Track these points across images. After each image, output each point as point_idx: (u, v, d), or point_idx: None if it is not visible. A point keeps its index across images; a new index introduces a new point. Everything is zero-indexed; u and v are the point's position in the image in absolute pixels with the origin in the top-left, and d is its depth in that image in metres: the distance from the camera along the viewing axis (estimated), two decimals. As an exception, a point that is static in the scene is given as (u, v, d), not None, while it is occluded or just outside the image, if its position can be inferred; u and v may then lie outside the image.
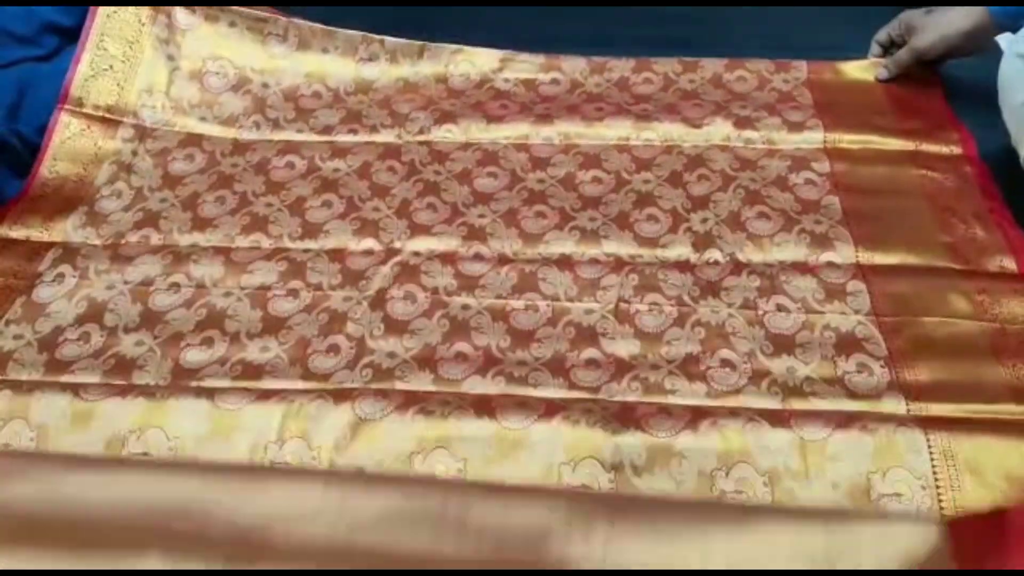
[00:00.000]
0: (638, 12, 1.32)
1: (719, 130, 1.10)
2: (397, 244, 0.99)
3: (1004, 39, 1.12)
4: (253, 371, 0.86)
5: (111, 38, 1.15)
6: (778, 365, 0.85)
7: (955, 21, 1.08)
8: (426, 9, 1.35)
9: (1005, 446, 0.75)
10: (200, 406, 0.81)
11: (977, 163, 1.05)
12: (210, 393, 0.82)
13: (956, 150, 1.07)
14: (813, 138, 1.09)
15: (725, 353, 0.86)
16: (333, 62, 1.22)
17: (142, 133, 1.13)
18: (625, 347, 0.88)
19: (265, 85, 1.19)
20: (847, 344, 0.86)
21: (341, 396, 0.81)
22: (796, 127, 1.10)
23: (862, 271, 0.93)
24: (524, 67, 1.21)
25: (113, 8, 1.15)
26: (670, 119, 1.11)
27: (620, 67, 1.20)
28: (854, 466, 0.75)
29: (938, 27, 1.10)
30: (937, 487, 0.74)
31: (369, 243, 1.00)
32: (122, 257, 0.99)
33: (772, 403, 0.81)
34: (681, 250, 0.97)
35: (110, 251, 1.00)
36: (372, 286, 0.95)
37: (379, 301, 0.93)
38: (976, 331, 0.86)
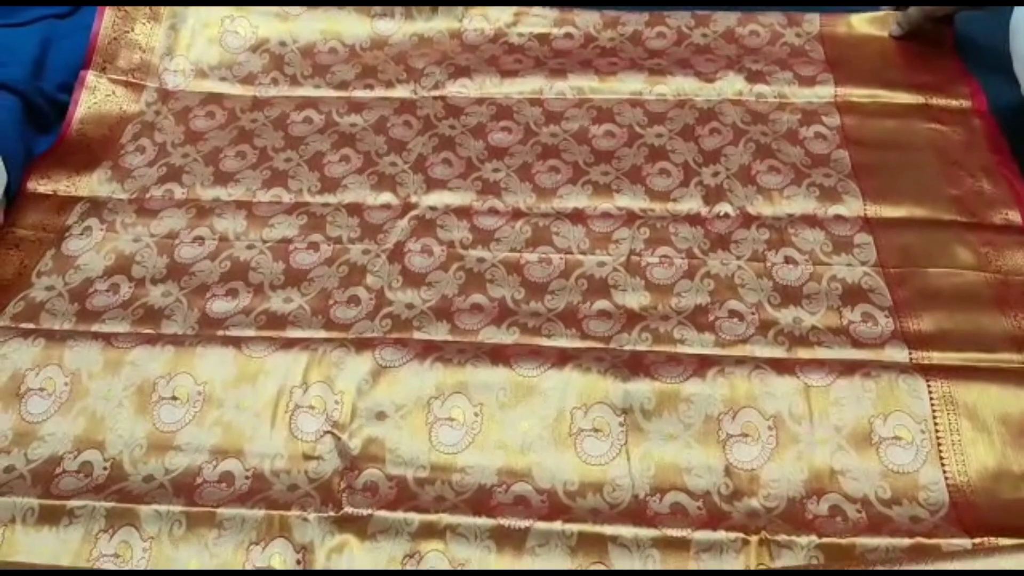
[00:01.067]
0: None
1: (731, 84, 1.11)
2: (414, 199, 1.02)
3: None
4: (277, 321, 0.89)
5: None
6: (785, 315, 0.87)
7: None
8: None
9: (1003, 392, 0.77)
10: (227, 353, 0.84)
11: (986, 117, 1.06)
12: (236, 341, 0.85)
13: (965, 104, 1.08)
14: (824, 92, 1.10)
15: (733, 304, 0.89)
16: (348, 18, 1.23)
17: (164, 95, 1.16)
18: (636, 299, 0.90)
19: (283, 43, 1.21)
20: (853, 295, 0.88)
21: (362, 345, 0.84)
22: (807, 81, 1.11)
23: (869, 224, 0.95)
24: (537, 21, 1.22)
25: (131, -32, 1.17)
26: (683, 73, 1.12)
27: (633, 21, 1.21)
28: (856, 410, 0.78)
29: None
30: (936, 431, 0.76)
31: (386, 197, 1.02)
32: (147, 211, 1.02)
33: (778, 352, 0.84)
34: (692, 204, 0.99)
35: (135, 205, 1.03)
36: (390, 239, 0.97)
37: (397, 254, 0.95)
38: (980, 282, 0.88)
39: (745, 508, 0.75)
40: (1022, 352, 0.82)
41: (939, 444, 0.76)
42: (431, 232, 0.98)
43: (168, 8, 1.19)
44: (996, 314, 0.86)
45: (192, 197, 1.04)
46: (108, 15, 1.16)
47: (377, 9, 1.23)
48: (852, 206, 0.97)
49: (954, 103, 1.08)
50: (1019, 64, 0.99)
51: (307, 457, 0.79)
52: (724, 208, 0.98)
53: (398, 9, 1.23)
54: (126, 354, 0.84)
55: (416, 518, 0.74)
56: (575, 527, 0.73)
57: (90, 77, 1.13)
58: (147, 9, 1.18)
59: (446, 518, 0.73)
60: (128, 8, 1.17)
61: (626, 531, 0.72)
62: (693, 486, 0.76)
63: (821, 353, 0.84)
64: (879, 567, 0.65)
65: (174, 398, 0.82)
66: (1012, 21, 0.99)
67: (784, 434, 0.78)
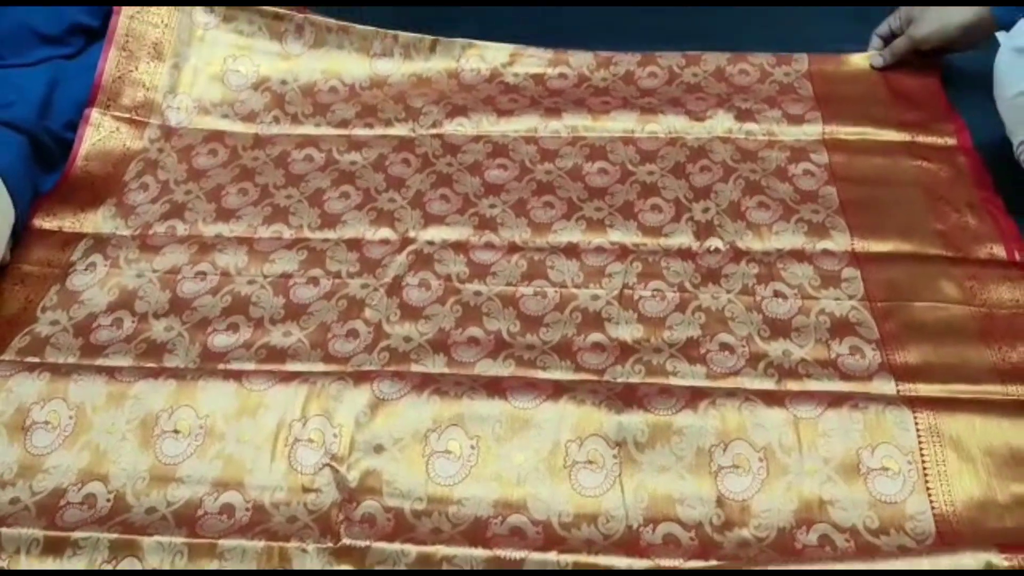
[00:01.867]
0: (642, 9, 1.35)
1: (721, 123, 1.13)
2: (412, 233, 1.04)
3: (1000, 33, 1.15)
4: (277, 355, 0.91)
5: (135, 39, 1.19)
6: (774, 348, 0.89)
7: (955, 15, 1.11)
8: (437, 8, 1.39)
9: (987, 423, 0.79)
10: (228, 387, 0.85)
11: (971, 153, 1.09)
12: (237, 375, 0.87)
13: (951, 141, 1.11)
14: (812, 130, 1.13)
15: (724, 337, 0.90)
16: (348, 58, 1.26)
17: (167, 133, 1.18)
18: (629, 331, 0.92)
19: (284, 82, 1.24)
20: (841, 328, 0.90)
21: (360, 378, 0.86)
22: (796, 119, 1.14)
23: (857, 259, 0.97)
24: (533, 61, 1.25)
25: (136, 9, 1.20)
26: (674, 112, 1.15)
27: (626, 61, 1.24)
28: (845, 442, 0.79)
29: (938, 18, 1.13)
30: (923, 461, 0.78)
31: (385, 233, 1.04)
32: (150, 247, 1.04)
33: (768, 384, 0.86)
34: (683, 239, 1.01)
35: (138, 241, 1.05)
36: (388, 274, 0.99)
37: (395, 288, 0.97)
38: (965, 316, 0.90)
39: (736, 539, 0.76)
40: (1006, 384, 0.84)
41: (926, 475, 0.78)
42: (428, 266, 1.00)
43: (171, 46, 1.22)
44: (980, 347, 0.88)
45: (194, 233, 1.06)
46: (112, 54, 1.18)
47: (376, 49, 1.26)
48: (840, 241, 0.99)
49: (939, 140, 1.11)
50: (1003, 105, 1.02)
51: (306, 490, 0.80)
52: (714, 243, 1.00)
53: (397, 49, 1.26)
54: (129, 388, 0.85)
55: (413, 550, 0.75)
56: (570, 558, 0.74)
57: (94, 115, 1.16)
58: (150, 47, 1.21)
59: (443, 550, 0.75)
60: (132, 47, 1.19)
61: (619, 562, 0.74)
62: (686, 517, 0.77)
63: (810, 385, 0.85)
64: (873, 566, 0.67)
65: (176, 431, 0.83)
66: (995, 69, 1.01)
67: (774, 465, 0.79)
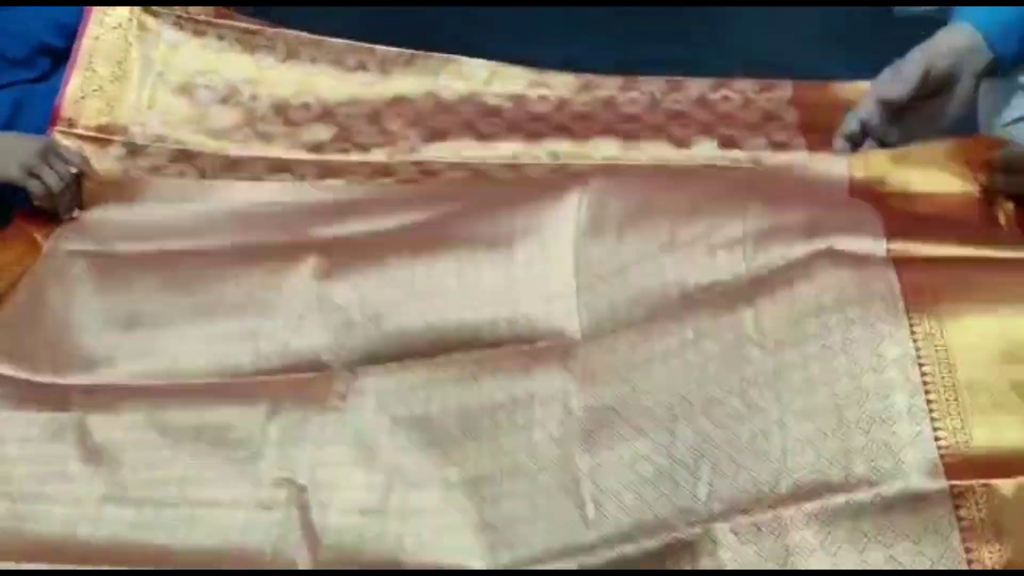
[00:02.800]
0: (625, 33, 1.34)
1: (705, 150, 1.12)
2: None
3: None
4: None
5: (100, 59, 1.16)
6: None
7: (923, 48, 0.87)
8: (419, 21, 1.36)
9: None
10: None
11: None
12: None
13: (938, 170, 1.09)
14: (797, 158, 1.11)
15: None
16: (322, 72, 1.22)
17: (133, 151, 1.14)
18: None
19: (254, 97, 1.20)
20: None
21: None
22: (781, 147, 1.12)
23: None
24: (513, 81, 1.22)
25: (101, 29, 1.16)
26: (657, 139, 1.13)
27: (607, 85, 1.21)
28: None
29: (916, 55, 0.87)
30: None
31: None
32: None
33: None
34: None
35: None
36: None
37: None
38: None
39: None
40: None
41: None
42: None
43: (137, 63, 1.18)
44: None
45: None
46: (77, 74, 1.14)
47: (351, 63, 1.22)
48: None
49: (926, 169, 1.09)
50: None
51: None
52: None
53: (372, 63, 1.22)
54: None
55: None
56: None
57: (55, 135, 1.11)
58: (115, 66, 1.17)
59: None
60: (97, 66, 1.15)
61: None
62: None
63: None
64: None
65: None
66: (979, 99, 1.00)
67: None
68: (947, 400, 0.62)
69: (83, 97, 1.14)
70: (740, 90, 1.20)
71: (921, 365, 0.63)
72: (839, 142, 0.93)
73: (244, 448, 0.79)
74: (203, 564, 0.73)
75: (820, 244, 0.72)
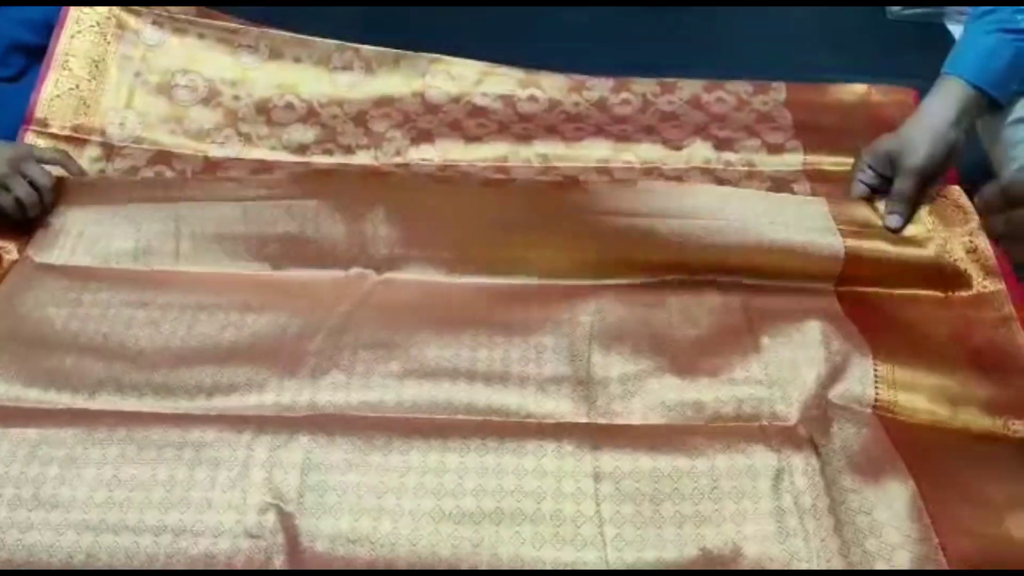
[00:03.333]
0: (616, 36, 1.31)
1: (699, 152, 1.09)
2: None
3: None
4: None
5: (76, 58, 1.12)
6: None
7: (938, 113, 0.93)
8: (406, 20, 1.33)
9: None
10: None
11: (956, 183, 1.05)
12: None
13: (935, 173, 1.07)
14: (793, 160, 1.09)
15: None
16: (306, 72, 1.19)
17: (109, 152, 1.11)
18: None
19: (236, 97, 1.17)
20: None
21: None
22: (776, 149, 1.10)
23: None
24: (502, 81, 1.19)
25: (78, 27, 1.12)
26: (650, 141, 1.10)
27: (599, 86, 1.19)
28: None
29: (929, 129, 0.93)
30: None
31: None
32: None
33: None
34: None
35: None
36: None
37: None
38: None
39: None
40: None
41: None
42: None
43: (115, 61, 1.14)
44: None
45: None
46: (52, 73, 1.10)
47: (336, 63, 1.19)
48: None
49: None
50: (993, 134, 0.98)
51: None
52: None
53: (358, 63, 1.19)
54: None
55: None
56: None
57: (29, 135, 1.08)
58: (92, 66, 1.13)
59: None
60: (73, 65, 1.12)
61: None
62: None
63: None
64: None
65: None
66: None
67: None
68: None
69: (58, 96, 1.10)
70: (734, 91, 1.18)
71: None
72: (859, 187, 0.99)
73: (228, 469, 0.75)
74: None
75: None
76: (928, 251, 0.93)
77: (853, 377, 0.80)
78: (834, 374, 0.81)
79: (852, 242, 0.91)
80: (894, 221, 0.94)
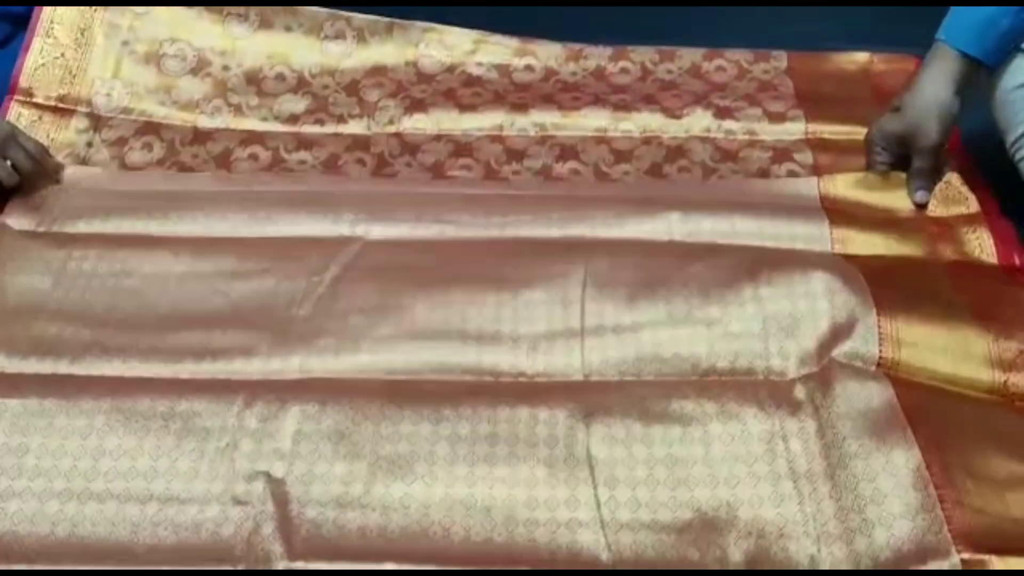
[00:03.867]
0: (613, 4, 1.28)
1: (699, 121, 1.07)
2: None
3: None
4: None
5: (61, 26, 1.09)
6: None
7: (943, 89, 0.92)
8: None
9: None
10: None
11: (961, 154, 1.04)
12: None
13: (939, 141, 1.05)
14: (795, 128, 1.07)
15: None
16: (297, 41, 1.17)
17: (97, 122, 1.08)
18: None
19: (226, 67, 1.14)
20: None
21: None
22: (777, 117, 1.08)
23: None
24: (497, 51, 1.17)
25: (61, -9, 1.09)
26: (649, 109, 1.08)
27: (596, 55, 1.16)
28: None
29: (935, 106, 0.93)
30: None
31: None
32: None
33: None
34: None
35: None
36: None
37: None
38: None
39: None
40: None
41: None
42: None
43: (101, 30, 1.11)
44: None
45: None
46: (37, 41, 1.08)
47: (328, 32, 1.16)
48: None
49: (927, 141, 1.05)
50: (999, 99, 0.96)
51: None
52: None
53: (350, 32, 1.16)
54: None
55: None
56: None
57: (13, 105, 1.05)
58: (79, 33, 1.10)
59: None
60: (58, 33, 1.09)
61: None
62: None
63: None
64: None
65: None
66: None
67: None
68: None
69: (43, 65, 1.08)
70: (734, 60, 1.16)
71: None
72: (879, 167, 0.99)
73: (217, 439, 0.74)
74: (168, 562, 0.68)
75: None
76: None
77: (857, 334, 0.78)
78: (837, 330, 0.78)
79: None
80: (921, 197, 0.96)
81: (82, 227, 0.96)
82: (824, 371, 0.76)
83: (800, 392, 0.76)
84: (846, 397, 0.73)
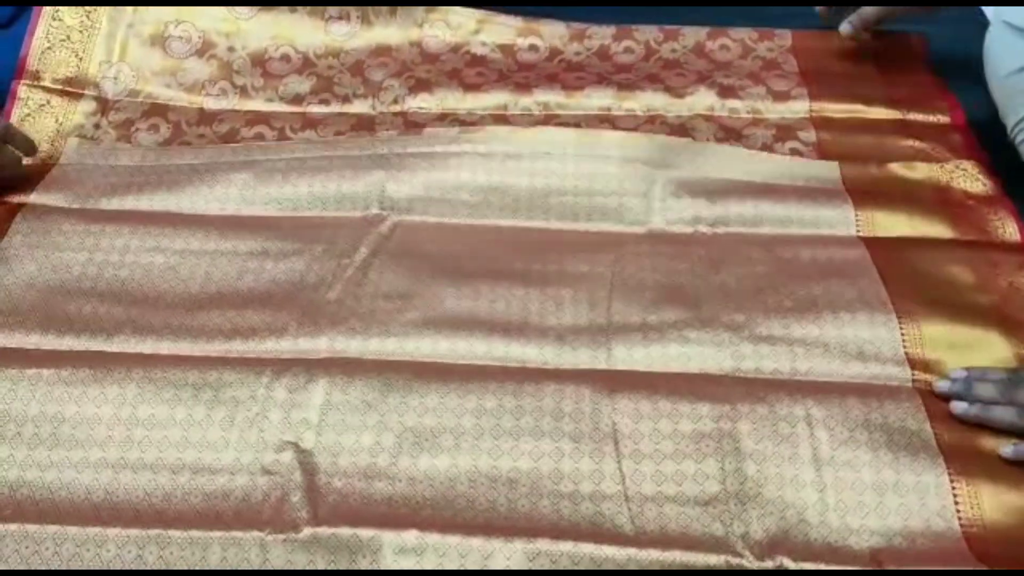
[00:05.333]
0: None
1: (703, 100, 1.07)
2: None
3: (989, 9, 1.10)
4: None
5: (66, 8, 1.09)
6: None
7: None
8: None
9: None
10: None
11: (965, 132, 1.04)
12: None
13: (944, 119, 1.05)
14: (799, 107, 1.07)
15: None
16: (301, 21, 1.17)
17: (104, 105, 1.09)
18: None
19: (231, 49, 1.14)
20: None
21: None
22: (781, 96, 1.08)
23: None
24: (501, 31, 1.17)
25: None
26: (652, 89, 1.08)
27: (600, 34, 1.16)
28: None
29: None
30: None
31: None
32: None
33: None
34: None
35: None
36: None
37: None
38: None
39: None
40: None
41: None
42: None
43: (107, 12, 1.12)
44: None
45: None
46: (43, 23, 1.08)
47: (332, 11, 1.16)
48: None
49: (932, 118, 1.05)
50: (995, 85, 0.97)
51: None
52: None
53: (354, 12, 1.17)
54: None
55: None
56: None
57: (21, 88, 1.06)
58: (84, 16, 1.11)
59: None
60: (63, 15, 1.10)
61: None
62: None
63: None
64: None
65: None
66: (986, 47, 0.97)
67: None
68: None
69: (49, 48, 1.08)
70: (738, 38, 1.15)
71: None
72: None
73: (247, 409, 0.76)
74: (196, 527, 0.70)
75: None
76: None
77: (883, 341, 0.80)
78: (862, 344, 0.80)
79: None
80: (846, 28, 1.09)
81: (115, 204, 0.97)
82: (851, 382, 0.78)
83: (830, 389, 0.77)
84: (877, 407, 0.75)
